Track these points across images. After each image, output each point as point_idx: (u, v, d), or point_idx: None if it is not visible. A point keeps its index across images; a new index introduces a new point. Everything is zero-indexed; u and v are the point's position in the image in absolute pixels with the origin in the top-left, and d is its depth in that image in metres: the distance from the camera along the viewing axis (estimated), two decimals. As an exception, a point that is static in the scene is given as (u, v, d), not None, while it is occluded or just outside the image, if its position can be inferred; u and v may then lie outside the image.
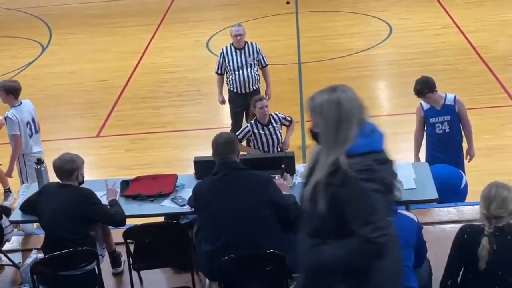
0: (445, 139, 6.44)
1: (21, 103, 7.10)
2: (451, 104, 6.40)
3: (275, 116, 7.14)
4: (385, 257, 3.13)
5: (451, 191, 5.96)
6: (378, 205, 3.07)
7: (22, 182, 7.10)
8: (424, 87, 6.31)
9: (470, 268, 3.97)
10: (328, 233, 3.17)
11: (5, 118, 7.04)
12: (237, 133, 7.05)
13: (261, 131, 7.01)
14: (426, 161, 6.39)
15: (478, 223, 4.01)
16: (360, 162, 3.07)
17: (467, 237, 3.98)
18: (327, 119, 3.14)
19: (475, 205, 5.58)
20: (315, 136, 3.24)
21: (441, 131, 6.43)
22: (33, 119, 7.21)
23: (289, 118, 7.26)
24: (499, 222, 3.91)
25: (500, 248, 3.88)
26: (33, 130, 7.20)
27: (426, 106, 6.46)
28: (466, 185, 6.23)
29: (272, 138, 7.03)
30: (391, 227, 3.21)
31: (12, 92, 7.02)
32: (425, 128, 6.57)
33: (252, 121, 7.08)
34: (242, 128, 7.20)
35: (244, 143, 7.16)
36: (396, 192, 3.26)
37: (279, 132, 7.13)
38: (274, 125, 7.08)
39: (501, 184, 4.00)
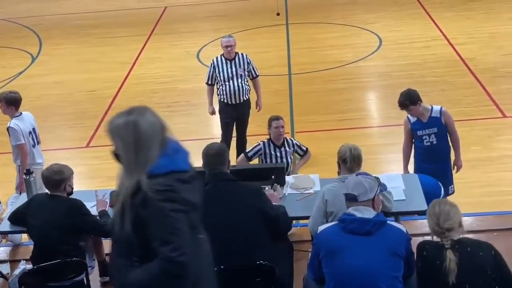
0: (433, 151, 6.44)
1: (21, 113, 7.05)
2: (437, 116, 6.40)
3: (290, 141, 6.94)
4: (197, 275, 3.17)
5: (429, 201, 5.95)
6: (178, 225, 3.12)
7: (19, 193, 6.98)
8: (406, 99, 6.31)
9: (438, 284, 4.04)
10: (134, 253, 3.19)
11: (8, 129, 6.92)
12: (247, 151, 6.97)
13: (273, 152, 6.80)
14: (415, 172, 6.40)
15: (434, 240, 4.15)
16: (161, 182, 3.12)
17: (426, 254, 4.12)
18: (125, 142, 3.18)
19: (464, 216, 5.60)
20: (118, 158, 3.24)
21: (429, 143, 6.42)
22: (34, 130, 7.12)
23: (304, 148, 6.99)
24: (452, 234, 4.08)
25: (462, 261, 4.00)
26: (35, 140, 7.12)
27: (412, 119, 6.46)
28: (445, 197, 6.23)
29: (282, 161, 6.74)
30: (197, 246, 3.27)
31: (13, 103, 6.93)
32: (413, 140, 6.58)
33: (265, 140, 6.88)
34: (254, 145, 6.97)
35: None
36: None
37: (290, 157, 6.89)
38: (287, 149, 6.85)
39: (443, 200, 4.42)
